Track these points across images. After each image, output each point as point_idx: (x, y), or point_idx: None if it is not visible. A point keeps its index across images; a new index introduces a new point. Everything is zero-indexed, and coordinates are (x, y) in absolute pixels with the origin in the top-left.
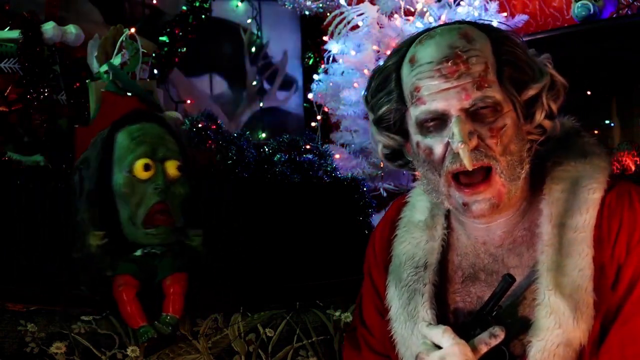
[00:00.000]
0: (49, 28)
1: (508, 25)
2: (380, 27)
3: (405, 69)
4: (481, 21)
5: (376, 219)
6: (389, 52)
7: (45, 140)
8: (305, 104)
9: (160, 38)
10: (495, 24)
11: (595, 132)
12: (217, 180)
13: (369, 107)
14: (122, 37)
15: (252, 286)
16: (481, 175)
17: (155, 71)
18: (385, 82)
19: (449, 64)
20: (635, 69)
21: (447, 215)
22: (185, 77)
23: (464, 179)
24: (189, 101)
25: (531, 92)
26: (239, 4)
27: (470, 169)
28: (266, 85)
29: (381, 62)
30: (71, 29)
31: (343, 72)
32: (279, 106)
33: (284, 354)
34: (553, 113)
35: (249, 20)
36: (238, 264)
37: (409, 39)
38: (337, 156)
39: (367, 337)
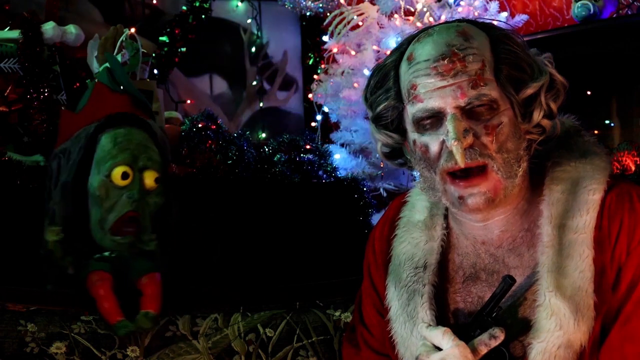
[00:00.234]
0: (49, 28)
1: (509, 25)
2: (380, 27)
3: (403, 67)
4: (481, 20)
5: (376, 218)
6: (389, 52)
7: (45, 140)
8: (305, 104)
9: (160, 38)
10: (495, 23)
11: (595, 132)
12: (217, 180)
13: (367, 104)
14: (122, 37)
15: (252, 286)
16: (477, 173)
17: (155, 71)
18: (384, 80)
19: (446, 61)
20: (635, 69)
21: (446, 215)
22: (185, 77)
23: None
24: (189, 101)
25: (529, 91)
26: (239, 4)
27: (462, 166)
28: (266, 85)
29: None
30: (71, 29)
31: (343, 72)
32: (279, 106)
33: (284, 354)
34: (552, 112)
35: (249, 20)
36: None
37: (409, 37)
38: (337, 156)
39: (366, 336)
